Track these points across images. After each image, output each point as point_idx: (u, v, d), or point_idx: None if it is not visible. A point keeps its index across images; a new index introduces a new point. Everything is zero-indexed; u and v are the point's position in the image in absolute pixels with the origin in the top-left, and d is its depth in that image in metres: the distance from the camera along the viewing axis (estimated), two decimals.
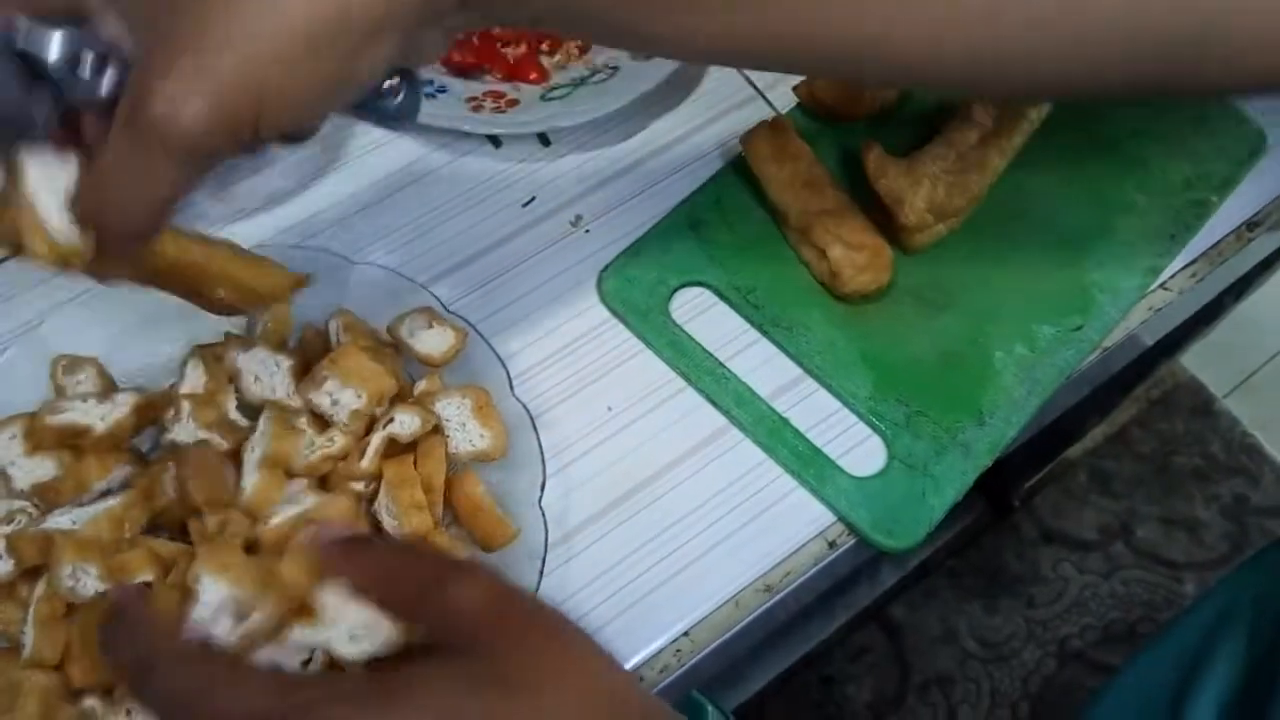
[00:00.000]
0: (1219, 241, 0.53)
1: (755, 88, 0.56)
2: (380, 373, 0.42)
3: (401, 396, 0.44)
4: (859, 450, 0.47)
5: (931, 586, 1.34)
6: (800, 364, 0.49)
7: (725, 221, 0.52)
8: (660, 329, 0.49)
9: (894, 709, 1.27)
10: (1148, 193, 0.53)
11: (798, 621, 1.25)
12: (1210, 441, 1.41)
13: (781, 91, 0.56)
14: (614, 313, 0.50)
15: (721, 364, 0.48)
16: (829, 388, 0.48)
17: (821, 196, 0.50)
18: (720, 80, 0.56)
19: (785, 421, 0.47)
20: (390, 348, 0.45)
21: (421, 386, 0.44)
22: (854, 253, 0.48)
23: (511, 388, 0.44)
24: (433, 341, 0.44)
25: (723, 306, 0.50)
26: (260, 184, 0.52)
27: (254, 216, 0.52)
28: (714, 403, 0.48)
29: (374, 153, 0.53)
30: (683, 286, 0.50)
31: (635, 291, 0.50)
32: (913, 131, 0.54)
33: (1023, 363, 0.49)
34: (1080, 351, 0.49)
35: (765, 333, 0.49)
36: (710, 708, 0.98)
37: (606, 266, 0.50)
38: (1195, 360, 1.41)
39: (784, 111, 0.55)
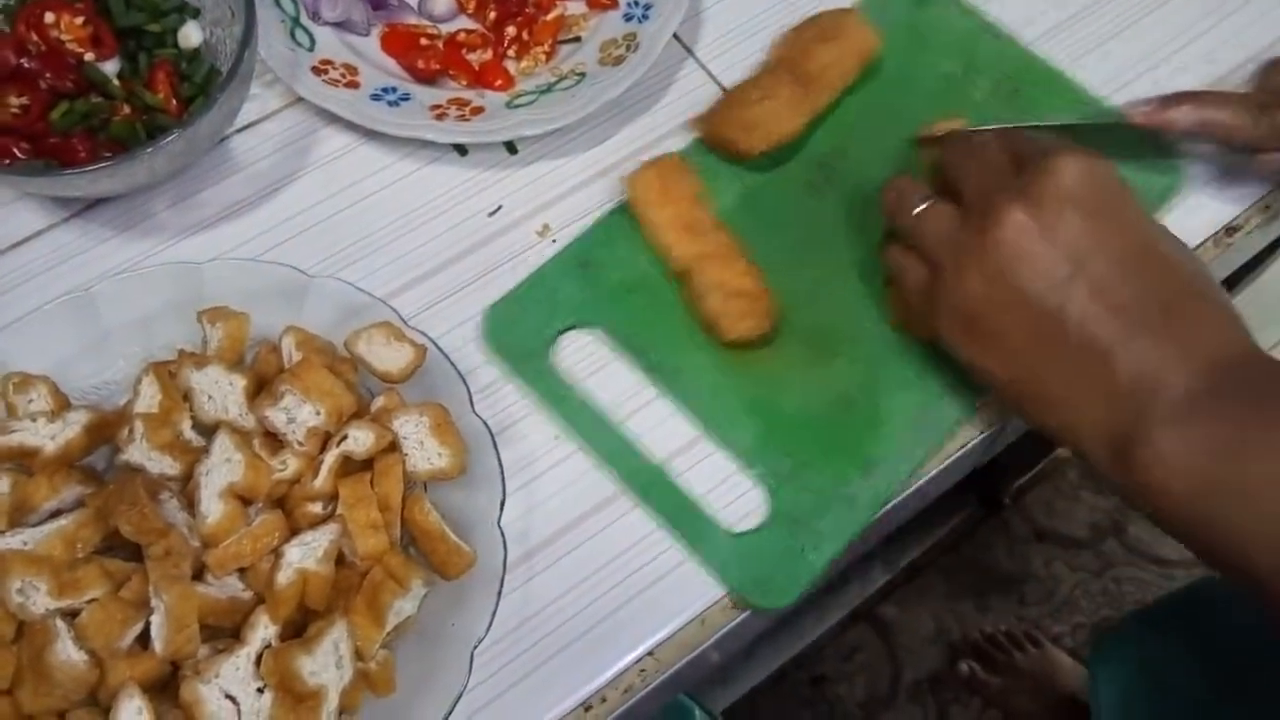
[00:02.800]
0: (1197, 247, 0.52)
1: (725, 91, 0.55)
2: (339, 388, 0.41)
3: (359, 414, 0.43)
4: (740, 503, 0.45)
5: (923, 585, 1.34)
6: (686, 410, 0.47)
7: (615, 260, 0.49)
8: (540, 374, 0.47)
9: (885, 708, 1.26)
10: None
11: (788, 621, 1.24)
12: None
13: None
14: (495, 352, 0.48)
15: (599, 414, 0.46)
16: (713, 437, 0.46)
17: (703, 240, 0.48)
18: (688, 86, 0.55)
19: (662, 475, 0.45)
20: (348, 364, 0.44)
21: (379, 403, 0.43)
22: (733, 300, 0.46)
23: (472, 404, 0.44)
24: (391, 358, 0.43)
25: (618, 360, 0.48)
26: (221, 193, 0.51)
27: (215, 227, 0.51)
28: (600, 455, 0.46)
29: (338, 161, 0.52)
30: (568, 329, 0.48)
31: (518, 333, 0.48)
32: (809, 168, 0.52)
33: (917, 406, 0.47)
34: (980, 392, 0.47)
35: (650, 377, 0.47)
36: (698, 711, 0.98)
37: (492, 305, 0.48)
38: None
39: (683, 148, 0.53)
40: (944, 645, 1.30)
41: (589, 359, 0.48)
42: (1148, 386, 0.37)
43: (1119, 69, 0.56)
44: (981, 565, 1.35)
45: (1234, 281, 0.89)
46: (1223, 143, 0.49)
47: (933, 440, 0.47)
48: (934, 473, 0.47)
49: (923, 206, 0.43)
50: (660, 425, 0.47)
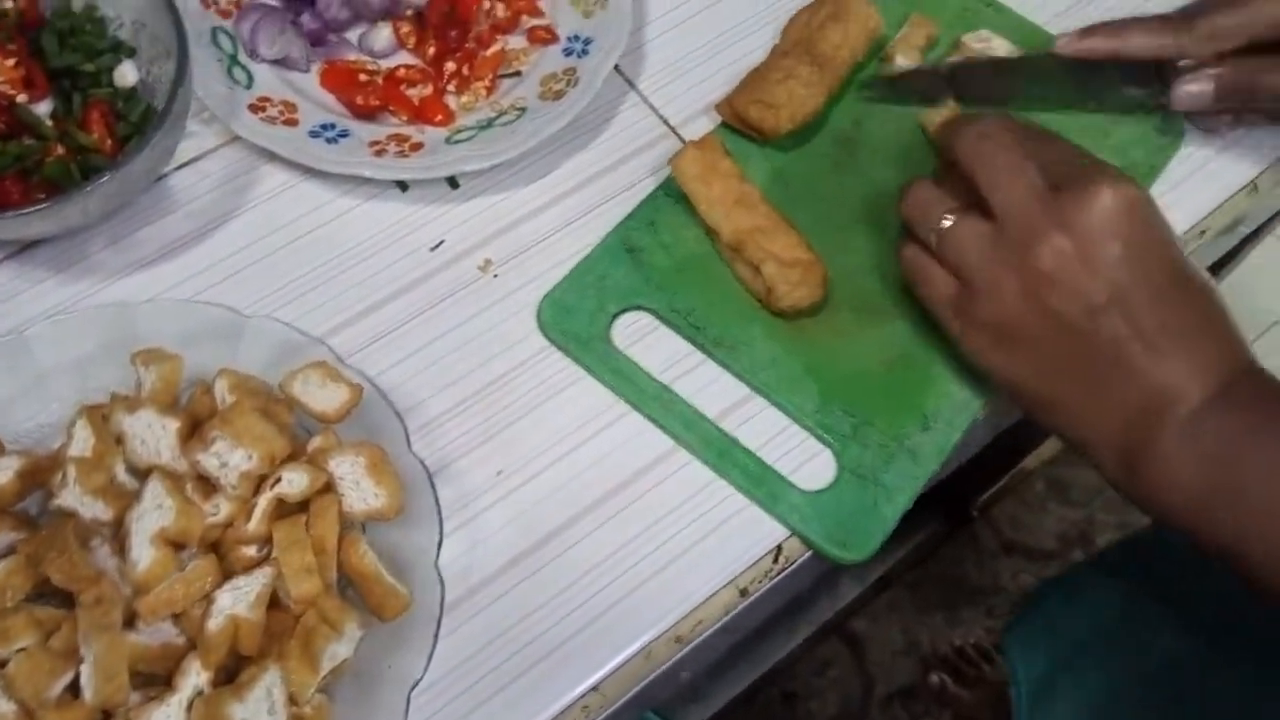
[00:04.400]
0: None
1: (667, 124, 0.56)
2: (271, 433, 0.41)
3: (295, 455, 0.43)
4: (810, 465, 0.47)
5: (893, 599, 1.34)
6: (745, 382, 0.49)
7: (660, 244, 0.51)
8: (603, 357, 0.48)
9: None
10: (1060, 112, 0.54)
11: (759, 637, 1.24)
12: None
13: (695, 126, 0.56)
14: (553, 343, 0.49)
15: (667, 387, 0.48)
16: (775, 404, 0.48)
17: (753, 213, 0.49)
18: (631, 119, 0.55)
19: (734, 441, 0.47)
20: (283, 405, 0.44)
21: (315, 443, 0.43)
22: (787, 269, 0.48)
23: (409, 443, 0.43)
24: (326, 398, 0.43)
25: (665, 330, 0.50)
26: (160, 232, 0.51)
27: (153, 266, 0.50)
28: (661, 426, 0.48)
29: (278, 197, 0.52)
30: (623, 312, 0.50)
31: (575, 320, 0.49)
32: (833, 145, 0.54)
33: (962, 364, 0.49)
34: None
35: (709, 353, 0.49)
36: None
37: (545, 296, 0.50)
38: None
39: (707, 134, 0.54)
40: (915, 658, 1.30)
41: (647, 336, 0.50)
42: (1163, 404, 0.40)
43: None
44: (950, 578, 1.36)
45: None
46: (1144, 61, 0.50)
47: (987, 392, 0.48)
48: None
49: (949, 222, 0.44)
50: (722, 395, 0.48)
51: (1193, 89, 0.50)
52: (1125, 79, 0.52)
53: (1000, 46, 0.55)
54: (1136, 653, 0.61)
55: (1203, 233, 0.54)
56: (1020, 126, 0.45)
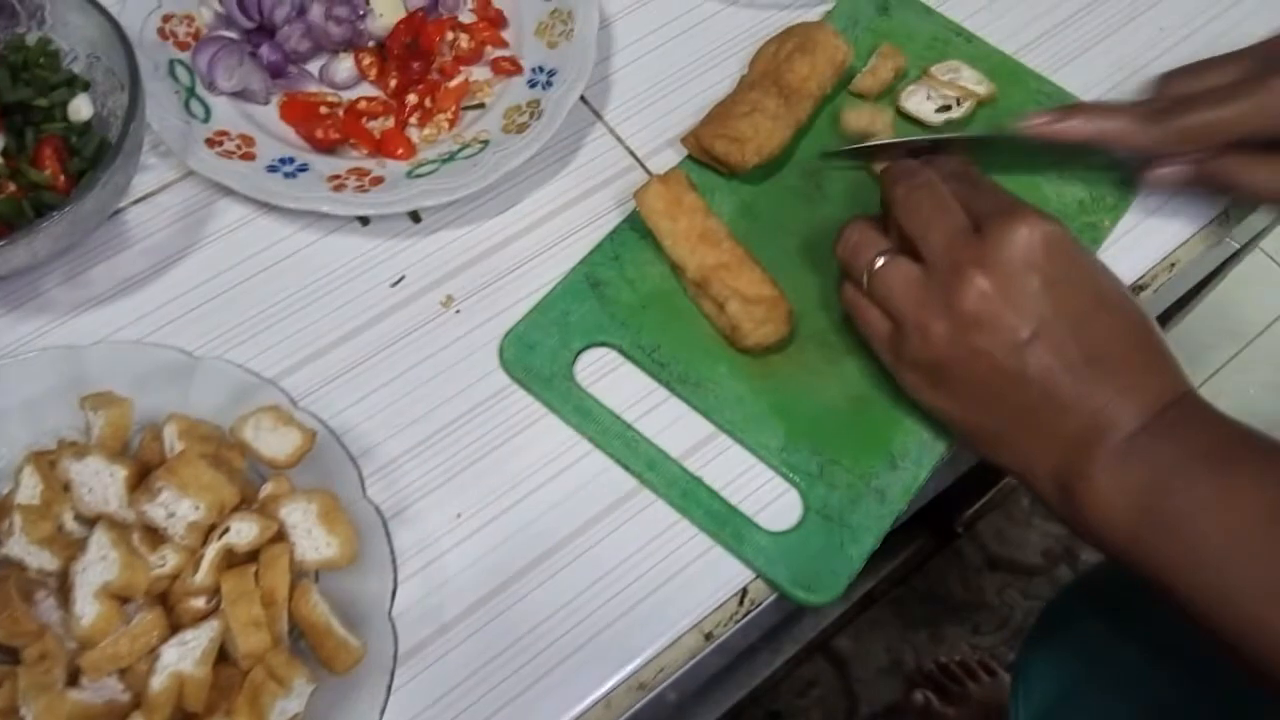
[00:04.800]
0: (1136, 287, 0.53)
1: (634, 156, 0.55)
2: (220, 482, 0.40)
3: (246, 502, 0.42)
4: (776, 505, 0.47)
5: (877, 616, 1.33)
6: (710, 420, 0.48)
7: (625, 279, 0.51)
8: (565, 395, 0.48)
9: None
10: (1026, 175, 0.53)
11: (743, 657, 1.23)
12: None
13: (661, 158, 0.55)
14: (516, 381, 0.48)
15: (630, 426, 0.47)
16: (741, 442, 0.48)
17: (718, 249, 0.49)
18: (597, 150, 0.55)
19: (699, 481, 0.47)
20: (235, 450, 0.43)
21: (268, 489, 0.42)
22: (752, 306, 0.48)
23: (364, 488, 0.43)
24: (278, 444, 0.42)
25: (629, 366, 0.49)
26: (115, 269, 0.50)
27: (108, 303, 0.49)
28: (624, 466, 0.47)
29: (236, 232, 0.51)
30: (586, 348, 0.49)
31: (537, 357, 0.48)
32: (800, 177, 0.54)
33: None
34: None
35: (674, 390, 0.49)
36: None
37: (508, 333, 0.49)
38: None
39: (671, 169, 0.54)
40: (899, 676, 1.30)
41: (612, 373, 0.49)
42: (1096, 432, 0.40)
43: (1102, 75, 0.58)
44: (935, 595, 1.35)
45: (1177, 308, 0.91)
46: (1117, 151, 0.50)
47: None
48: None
49: (881, 262, 0.44)
50: (687, 433, 0.48)
51: (1166, 173, 0.50)
52: (1093, 158, 0.52)
53: (969, 77, 0.55)
54: (1124, 692, 0.60)
55: (1172, 265, 0.53)
56: (955, 170, 0.45)
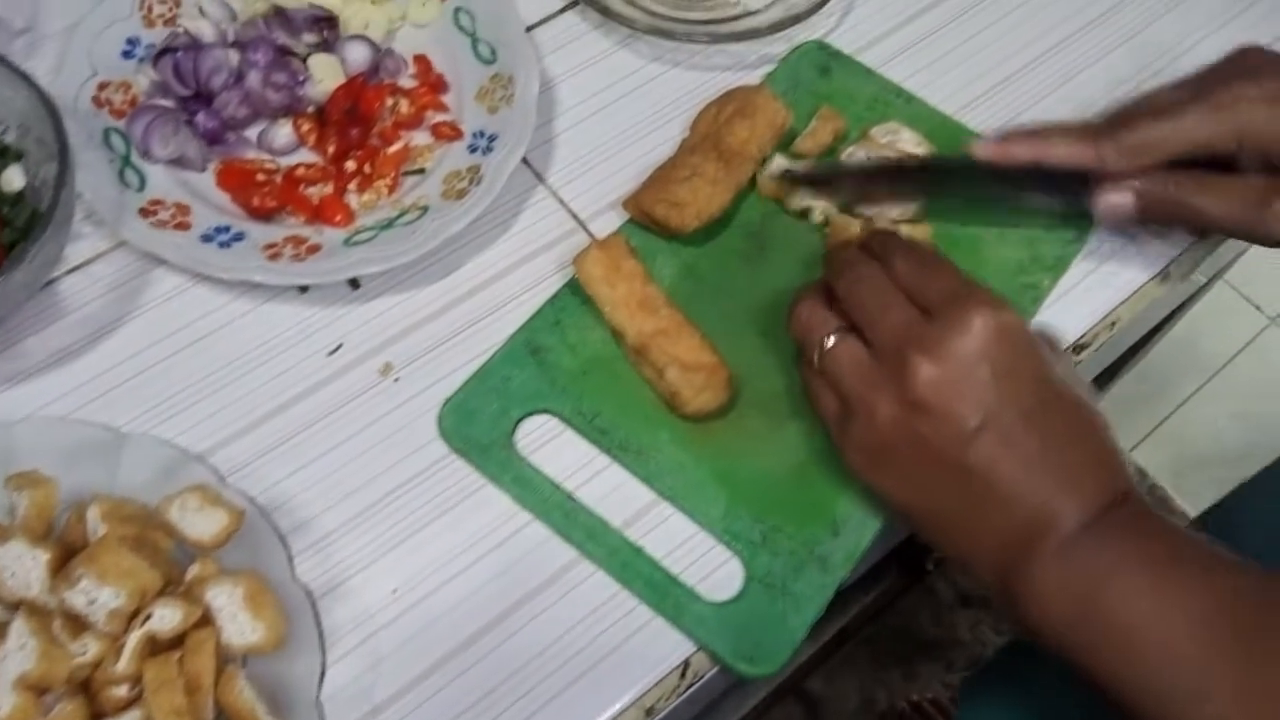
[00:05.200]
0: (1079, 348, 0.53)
1: (577, 219, 0.55)
2: (141, 568, 0.39)
3: (172, 584, 0.41)
4: (717, 574, 0.46)
5: (849, 655, 1.32)
6: (652, 487, 0.48)
7: (566, 344, 0.50)
8: (505, 464, 0.47)
9: None
10: (983, 276, 0.52)
11: (713, 702, 1.22)
12: None
13: (604, 221, 0.55)
14: (455, 451, 0.48)
15: (570, 496, 0.47)
16: (683, 510, 0.47)
17: (656, 316, 0.49)
18: (538, 214, 0.55)
19: (639, 551, 0.46)
20: (162, 530, 0.42)
21: (194, 571, 0.41)
22: (691, 374, 0.47)
23: (292, 569, 0.42)
24: (204, 525, 0.41)
25: (570, 434, 0.49)
26: (46, 341, 0.49)
27: (39, 376, 0.49)
28: (564, 537, 0.46)
29: (171, 301, 0.51)
30: (527, 416, 0.49)
31: (476, 426, 0.48)
32: (742, 239, 0.54)
33: None
34: None
35: (615, 457, 0.48)
36: None
37: (446, 402, 0.49)
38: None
39: (613, 233, 0.54)
40: (872, 716, 1.29)
41: (552, 440, 0.48)
42: (1038, 529, 0.40)
43: None
44: (907, 633, 1.35)
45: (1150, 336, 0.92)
46: (1064, 169, 0.50)
47: None
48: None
49: (832, 341, 0.44)
50: (628, 501, 0.47)
51: (1115, 200, 0.50)
52: (1045, 184, 0.52)
53: (908, 139, 0.55)
54: None
55: (1113, 324, 0.54)
56: (903, 250, 0.45)
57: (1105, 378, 1.08)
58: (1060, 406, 0.42)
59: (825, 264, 0.47)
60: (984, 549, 0.42)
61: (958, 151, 0.54)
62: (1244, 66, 0.48)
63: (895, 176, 0.54)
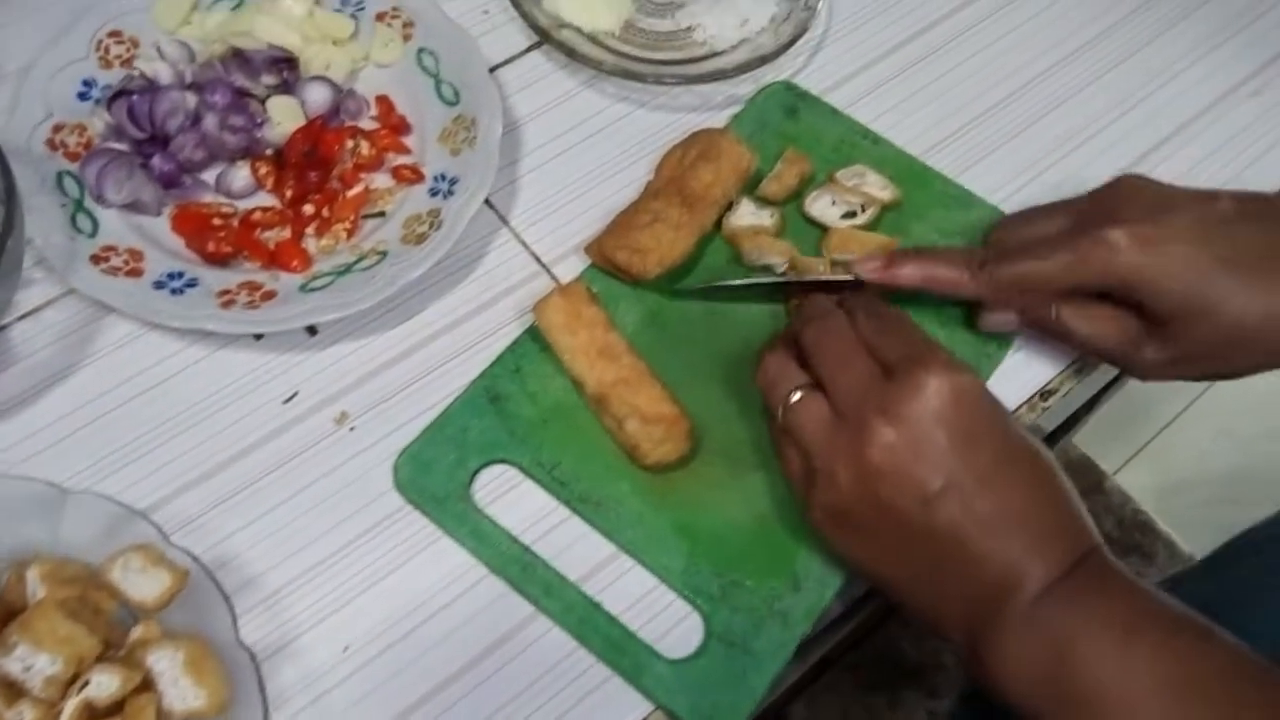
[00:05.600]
0: (1023, 403, 0.52)
1: (540, 262, 0.54)
2: (79, 634, 0.38)
3: (114, 647, 0.40)
4: (677, 630, 0.45)
5: (832, 681, 1.31)
6: (612, 540, 0.47)
7: (526, 393, 0.50)
8: (461, 517, 0.46)
9: None
10: (948, 331, 0.53)
11: None
12: (1103, 520, 1.41)
13: (568, 264, 0.54)
14: (411, 502, 0.47)
15: (528, 549, 0.46)
16: (642, 563, 0.47)
17: (617, 365, 0.48)
18: (500, 257, 0.54)
19: (598, 606, 0.45)
20: (105, 591, 0.41)
21: (136, 634, 0.40)
22: (650, 426, 0.47)
23: (237, 632, 0.41)
24: (147, 586, 0.40)
25: (529, 484, 0.48)
26: None
27: None
28: (521, 592, 0.45)
29: (122, 349, 0.50)
30: (485, 466, 0.48)
31: (433, 477, 0.47)
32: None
33: None
34: None
35: (574, 509, 0.47)
36: None
37: (402, 452, 0.48)
38: (1085, 437, 1.42)
39: (576, 278, 0.53)
40: None
41: (511, 491, 0.48)
42: (1003, 592, 0.40)
43: (1009, 175, 0.58)
44: (890, 658, 1.34)
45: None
46: (947, 296, 0.50)
47: None
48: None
49: (796, 398, 0.43)
50: (587, 555, 0.46)
51: (998, 319, 0.51)
52: (932, 298, 0.51)
53: (874, 182, 0.55)
54: None
55: (1079, 370, 0.53)
56: (869, 308, 0.45)
57: (1089, 404, 1.07)
58: (1020, 466, 0.41)
59: (794, 314, 0.46)
60: (950, 612, 0.41)
61: (848, 266, 0.52)
62: (1118, 200, 0.47)
63: (779, 290, 0.52)
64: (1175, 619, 0.39)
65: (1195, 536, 1.37)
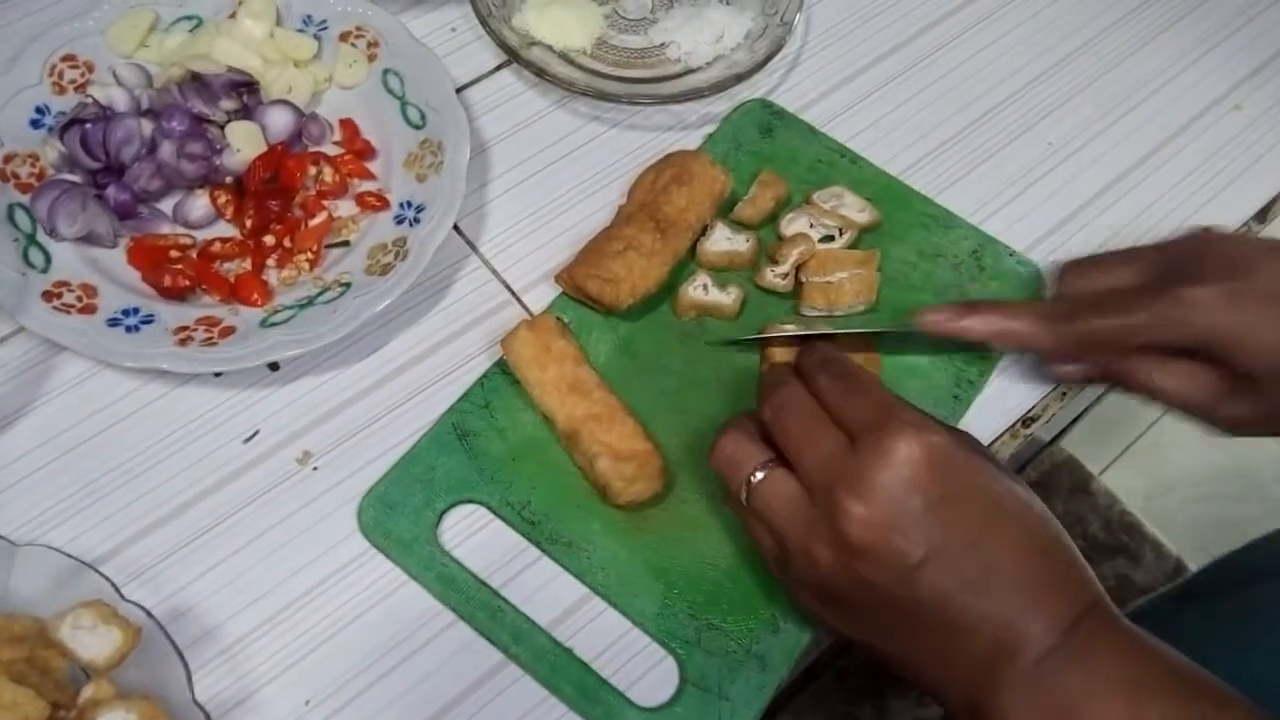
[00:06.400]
0: (1005, 430, 0.51)
1: (510, 290, 0.53)
2: (26, 697, 0.37)
3: (65, 709, 0.38)
4: (651, 675, 0.44)
5: (819, 689, 1.31)
6: (584, 582, 0.45)
7: (495, 428, 0.48)
8: (428, 561, 0.45)
9: None
10: (930, 356, 0.51)
11: None
12: (1090, 522, 1.41)
13: (539, 292, 0.53)
14: (376, 546, 0.45)
15: (497, 593, 0.45)
16: (615, 606, 0.45)
17: (588, 400, 0.47)
18: (469, 285, 0.52)
19: (569, 653, 0.44)
20: (55, 649, 0.39)
21: (87, 694, 0.39)
22: (622, 464, 0.45)
23: (192, 692, 0.39)
24: (97, 645, 0.39)
25: (498, 524, 0.46)
26: None
27: None
28: (489, 639, 0.44)
29: (77, 388, 0.48)
30: (452, 506, 0.46)
31: (398, 519, 0.46)
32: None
33: None
34: None
35: (545, 550, 0.46)
36: None
37: (368, 493, 0.46)
38: (1072, 438, 1.42)
39: (546, 307, 0.52)
40: None
41: (479, 532, 0.46)
42: (1004, 654, 0.38)
43: (989, 193, 0.57)
44: (877, 665, 1.33)
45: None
46: (1019, 351, 0.49)
47: None
48: None
49: (760, 477, 0.41)
50: (558, 597, 0.45)
51: (1070, 370, 0.50)
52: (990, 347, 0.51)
53: (851, 204, 0.53)
54: None
55: (1064, 394, 0.52)
56: (828, 366, 0.42)
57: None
58: (1008, 521, 0.39)
59: (759, 385, 0.45)
60: (950, 679, 0.39)
61: (901, 320, 0.51)
62: (1196, 256, 0.46)
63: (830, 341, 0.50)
64: (1189, 682, 0.37)
65: (1182, 537, 1.36)
